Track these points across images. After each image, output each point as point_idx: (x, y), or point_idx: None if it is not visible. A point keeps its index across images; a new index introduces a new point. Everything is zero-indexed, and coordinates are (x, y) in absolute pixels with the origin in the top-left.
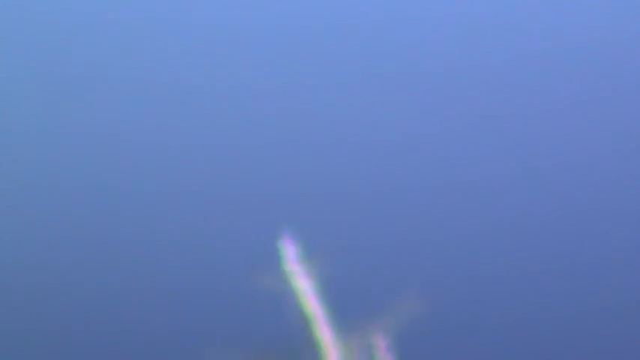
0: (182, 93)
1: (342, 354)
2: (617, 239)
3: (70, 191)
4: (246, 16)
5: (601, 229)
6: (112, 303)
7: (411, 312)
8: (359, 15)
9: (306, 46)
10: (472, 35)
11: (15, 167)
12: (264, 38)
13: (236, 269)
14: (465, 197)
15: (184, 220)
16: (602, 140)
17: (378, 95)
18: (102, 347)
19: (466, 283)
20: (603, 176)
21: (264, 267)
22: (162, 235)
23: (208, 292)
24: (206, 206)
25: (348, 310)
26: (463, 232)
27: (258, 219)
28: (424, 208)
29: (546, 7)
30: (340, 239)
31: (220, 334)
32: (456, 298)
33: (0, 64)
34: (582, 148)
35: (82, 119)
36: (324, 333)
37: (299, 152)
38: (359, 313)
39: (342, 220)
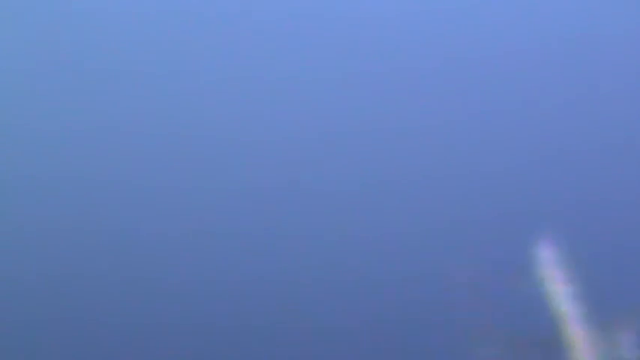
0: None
1: (593, 350)
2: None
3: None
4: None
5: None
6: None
7: None
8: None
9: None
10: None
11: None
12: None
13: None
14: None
15: None
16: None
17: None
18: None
19: None
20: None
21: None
22: None
23: None
24: None
25: (599, 307)
26: None
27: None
28: None
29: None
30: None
31: (475, 326)
32: None
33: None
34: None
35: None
36: (577, 330)
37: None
38: (609, 311)
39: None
